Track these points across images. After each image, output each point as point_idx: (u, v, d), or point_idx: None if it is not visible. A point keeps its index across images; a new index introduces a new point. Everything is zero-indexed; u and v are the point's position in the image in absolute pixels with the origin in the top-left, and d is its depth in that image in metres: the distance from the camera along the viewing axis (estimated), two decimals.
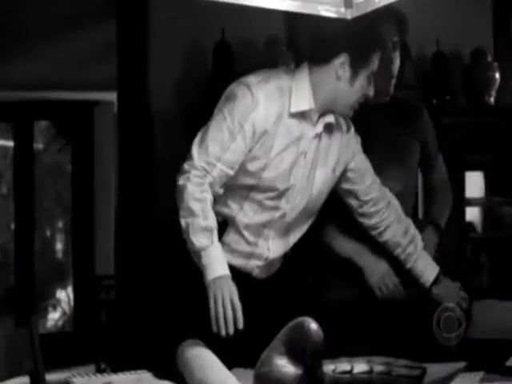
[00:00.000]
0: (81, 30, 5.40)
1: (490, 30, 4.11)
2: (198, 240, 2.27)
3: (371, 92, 2.38)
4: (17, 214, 7.29)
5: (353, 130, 2.54)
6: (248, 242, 2.44)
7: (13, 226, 7.32)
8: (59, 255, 7.87)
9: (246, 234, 2.43)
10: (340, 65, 2.31)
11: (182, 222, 2.30)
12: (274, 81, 2.35)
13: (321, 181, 2.45)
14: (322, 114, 2.39)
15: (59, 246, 7.88)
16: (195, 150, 2.33)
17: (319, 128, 2.39)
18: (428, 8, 3.77)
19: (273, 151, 2.34)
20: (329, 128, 2.42)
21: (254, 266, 2.47)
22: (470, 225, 4.09)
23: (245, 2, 1.96)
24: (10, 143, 7.42)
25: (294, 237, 2.51)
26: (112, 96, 4.89)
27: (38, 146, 7.64)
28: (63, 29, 5.40)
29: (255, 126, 2.31)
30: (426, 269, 2.63)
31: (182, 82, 3.83)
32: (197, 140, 2.35)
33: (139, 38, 3.85)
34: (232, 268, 2.35)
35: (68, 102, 7.14)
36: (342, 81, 2.33)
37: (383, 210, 2.59)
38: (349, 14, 1.98)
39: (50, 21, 5.28)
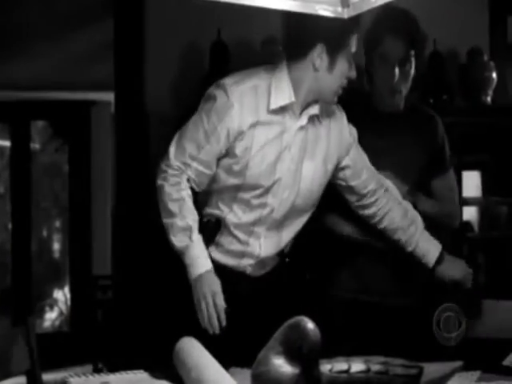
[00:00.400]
0: (77, 30, 5.39)
1: (487, 30, 4.10)
2: (178, 240, 2.35)
3: (353, 74, 2.39)
4: (14, 213, 7.28)
5: (345, 120, 2.55)
6: (240, 241, 2.46)
7: (10, 226, 7.32)
8: (56, 255, 7.86)
9: (237, 233, 2.45)
10: (317, 56, 2.33)
11: (163, 222, 2.38)
12: (251, 80, 2.38)
13: (310, 174, 2.44)
14: (307, 106, 2.40)
15: (56, 246, 7.88)
16: (172, 150, 2.39)
17: (303, 120, 2.40)
18: (424, 8, 3.77)
19: (253, 149, 2.36)
20: (313, 119, 2.43)
21: (246, 264, 2.48)
22: (468, 224, 4.09)
23: (242, 2, 1.96)
24: (7, 143, 7.41)
25: (288, 234, 2.51)
26: (109, 96, 4.89)
27: (35, 145, 7.63)
28: (60, 29, 5.39)
29: (230, 128, 2.34)
30: (429, 248, 2.64)
31: (179, 82, 3.83)
32: (174, 140, 2.41)
33: (136, 38, 3.85)
34: (225, 267, 2.37)
35: (65, 102, 7.14)
36: (320, 71, 2.35)
37: (381, 198, 2.60)
38: (345, 14, 1.98)
39: (46, 21, 5.27)
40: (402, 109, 2.78)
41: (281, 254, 2.55)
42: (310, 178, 2.45)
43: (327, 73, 2.35)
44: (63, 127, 7.48)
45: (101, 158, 7.20)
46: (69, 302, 7.49)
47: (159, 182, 2.39)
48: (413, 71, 2.74)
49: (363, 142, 2.59)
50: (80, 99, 7.06)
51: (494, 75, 3.88)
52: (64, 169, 7.56)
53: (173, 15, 3.82)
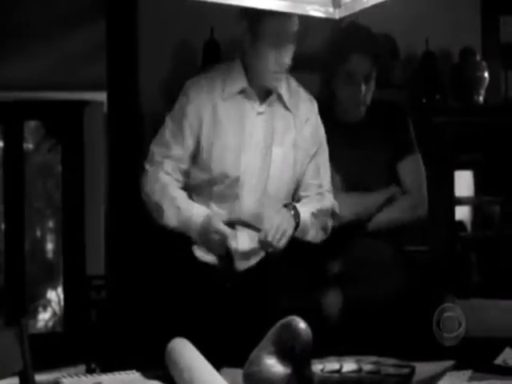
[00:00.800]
0: (70, 30, 5.38)
1: (479, 29, 4.11)
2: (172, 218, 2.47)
3: (285, 59, 2.41)
4: (7, 214, 7.27)
5: (316, 109, 2.57)
6: None
7: (3, 227, 7.31)
8: (49, 255, 7.85)
9: None
10: (243, 34, 2.41)
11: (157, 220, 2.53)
12: (207, 74, 2.48)
13: (279, 160, 2.45)
14: (267, 94, 2.46)
15: (50, 246, 7.87)
16: (147, 166, 2.53)
17: (263, 107, 2.45)
18: (417, 7, 3.77)
19: (215, 140, 2.42)
20: (273, 104, 2.47)
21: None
22: (460, 224, 4.10)
23: (234, 2, 1.97)
24: (0, 143, 7.40)
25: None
26: (102, 96, 4.89)
27: (28, 146, 7.62)
28: (53, 29, 5.38)
29: (193, 120, 2.42)
30: None
31: (172, 82, 3.82)
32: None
33: (129, 38, 3.84)
34: (208, 264, 2.38)
35: (58, 102, 7.13)
36: (248, 53, 2.42)
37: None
38: (337, 14, 1.99)
39: (40, 21, 5.27)
40: (363, 115, 2.85)
41: None
42: (279, 164, 2.46)
43: (254, 51, 2.40)
44: (56, 127, 7.47)
45: (94, 157, 7.19)
46: (62, 303, 7.48)
47: (144, 190, 2.51)
48: (374, 84, 2.84)
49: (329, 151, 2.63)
50: (73, 99, 7.05)
51: (487, 75, 3.89)
52: (57, 169, 7.55)
53: (165, 15, 3.82)
